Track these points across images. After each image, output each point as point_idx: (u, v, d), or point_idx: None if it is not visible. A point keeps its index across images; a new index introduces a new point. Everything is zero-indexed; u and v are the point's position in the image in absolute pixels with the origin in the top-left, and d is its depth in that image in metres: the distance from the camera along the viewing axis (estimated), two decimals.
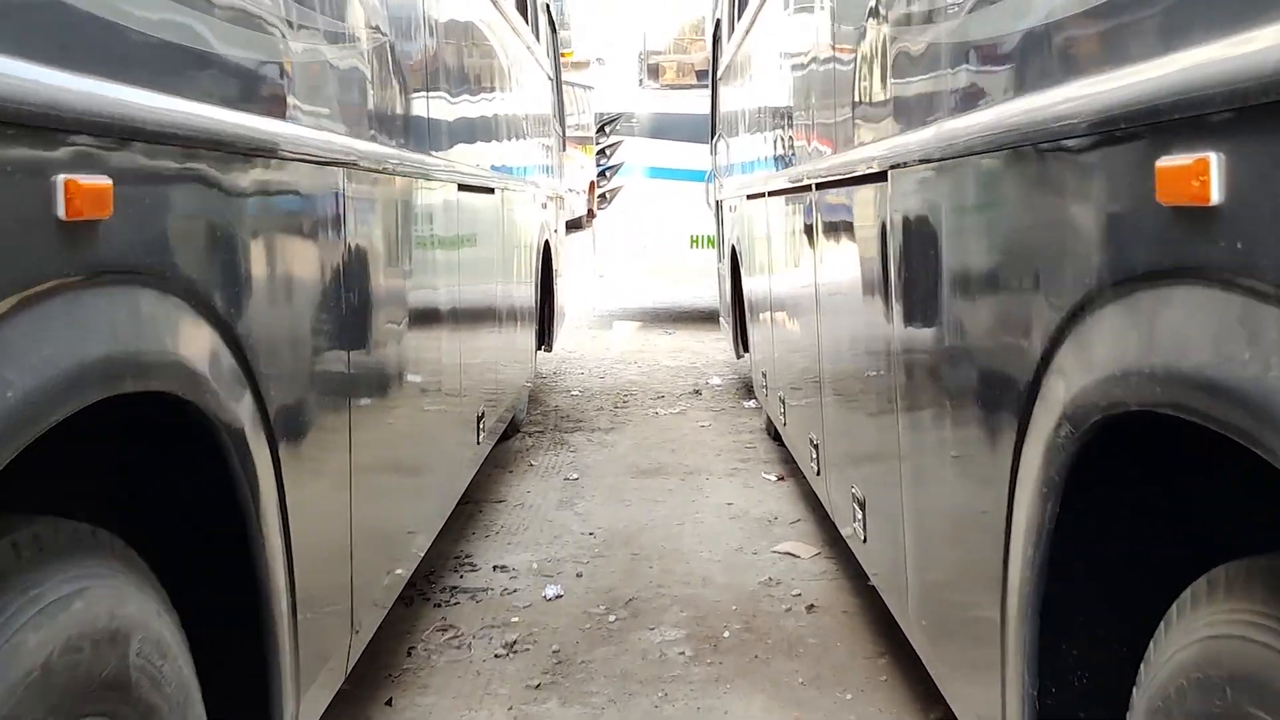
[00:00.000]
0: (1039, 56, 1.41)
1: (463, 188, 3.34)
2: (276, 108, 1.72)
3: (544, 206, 6.16)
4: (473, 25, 3.79)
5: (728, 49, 6.30)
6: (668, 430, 6.15)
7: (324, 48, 1.99)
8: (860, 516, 2.74)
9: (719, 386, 7.55)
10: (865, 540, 2.74)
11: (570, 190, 20.81)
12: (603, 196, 10.07)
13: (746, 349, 6.54)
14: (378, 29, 2.43)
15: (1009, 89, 1.51)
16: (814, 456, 3.58)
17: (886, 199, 2.19)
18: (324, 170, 1.93)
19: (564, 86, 20.87)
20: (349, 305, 2.08)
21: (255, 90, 1.64)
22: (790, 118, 3.75)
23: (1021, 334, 1.45)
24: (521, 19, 5.47)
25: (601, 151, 9.99)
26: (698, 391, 7.34)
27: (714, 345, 9.31)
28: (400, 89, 2.65)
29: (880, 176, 2.21)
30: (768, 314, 4.74)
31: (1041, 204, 1.42)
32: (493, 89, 4.22)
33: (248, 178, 1.57)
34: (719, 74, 6.89)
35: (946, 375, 1.89)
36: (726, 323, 7.42)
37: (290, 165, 1.76)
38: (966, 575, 1.79)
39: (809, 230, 3.34)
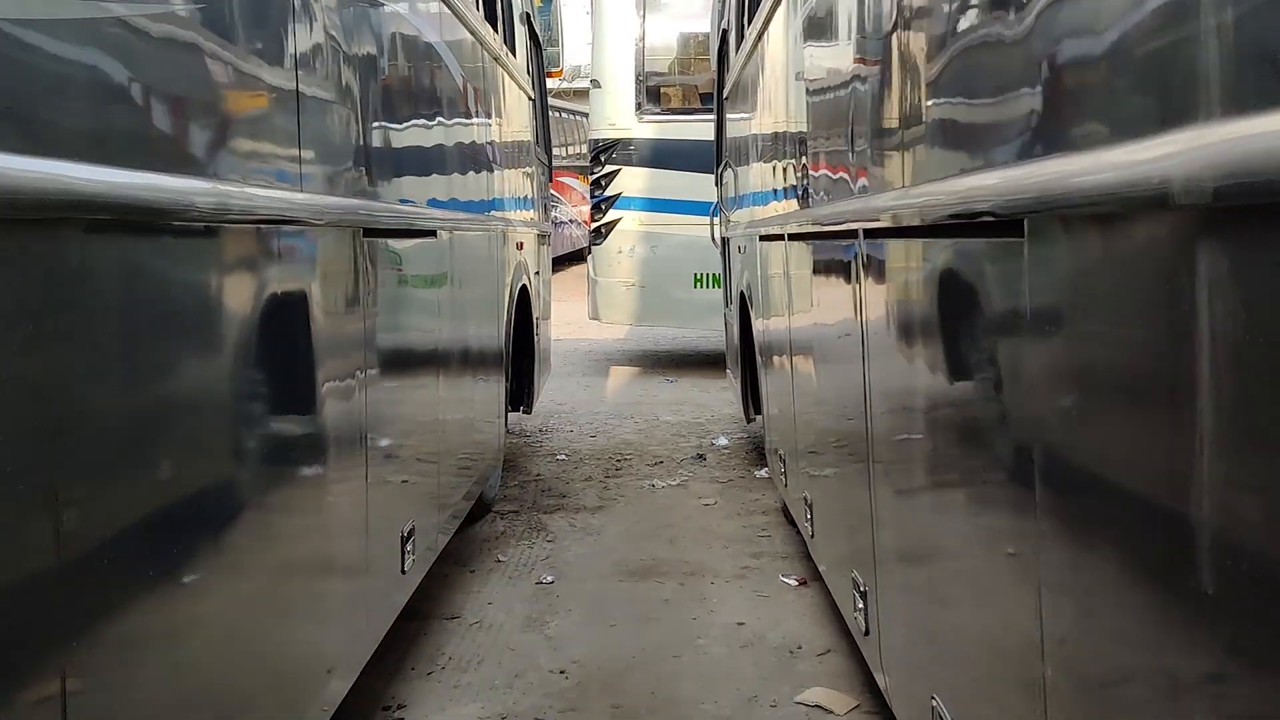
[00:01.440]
0: None
1: (372, 233, 2.43)
2: None
3: (520, 247, 5.25)
4: (399, 28, 2.88)
5: (736, 62, 5.40)
6: (666, 510, 5.21)
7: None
8: None
9: (726, 449, 6.61)
10: None
11: (570, 221, 19.95)
12: (598, 231, 9.16)
13: (758, 411, 5.62)
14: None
15: None
16: (862, 612, 2.61)
17: (1023, 258, 1.27)
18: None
19: (563, 112, 20.01)
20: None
21: None
22: (822, 143, 2.84)
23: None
24: (489, 27, 4.57)
25: (596, 182, 9.09)
26: (701, 456, 6.39)
27: (720, 396, 8.37)
28: (256, 106, 1.77)
29: (1008, 227, 1.29)
30: (788, 383, 3.78)
31: None
32: (436, 109, 3.31)
33: None
34: (725, 92, 6.00)
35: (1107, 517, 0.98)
36: (734, 378, 6.49)
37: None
38: None
39: (854, 289, 2.41)
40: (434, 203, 3.27)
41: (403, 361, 2.86)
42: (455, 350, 3.69)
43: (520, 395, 5.92)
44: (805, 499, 3.46)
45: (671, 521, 5.00)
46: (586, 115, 10.37)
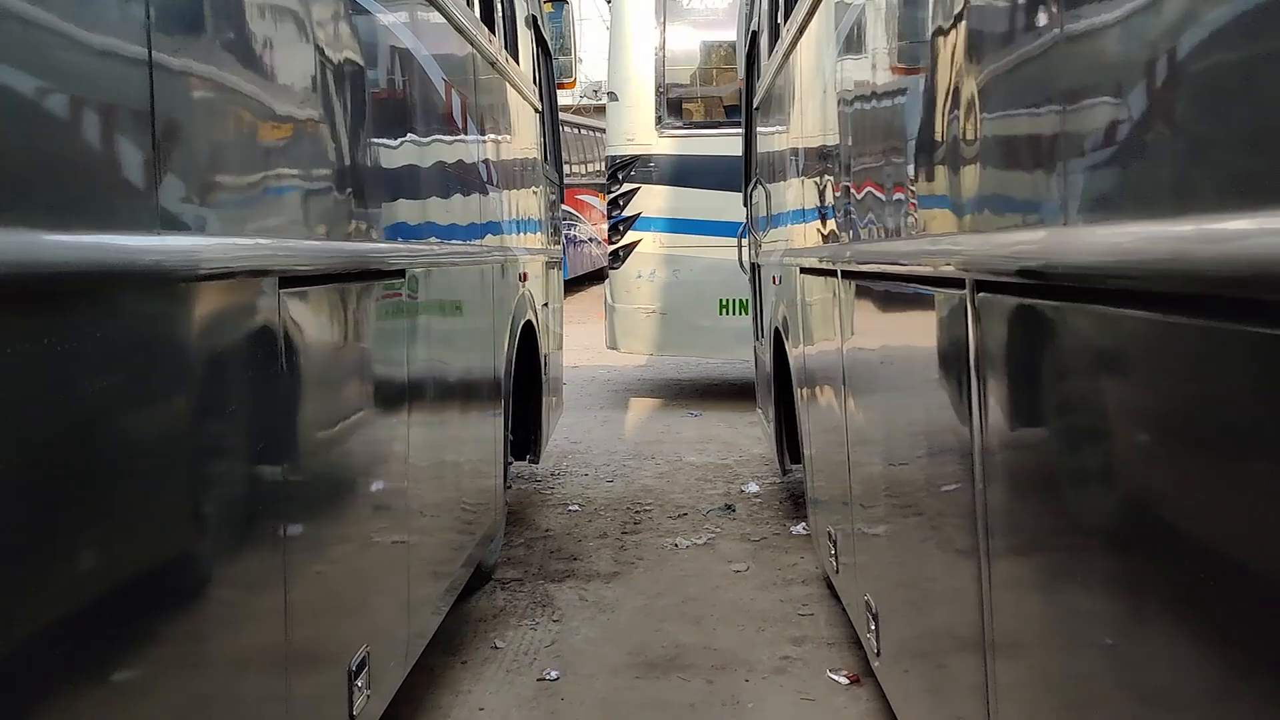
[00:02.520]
0: None
1: (296, 280, 1.80)
2: None
3: (523, 278, 4.62)
4: (346, 21, 2.26)
5: (768, 68, 4.77)
6: (690, 578, 4.55)
7: None
8: None
9: (757, 497, 5.95)
10: None
11: (589, 239, 19.32)
12: (615, 254, 8.53)
13: (795, 460, 4.96)
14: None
15: None
16: None
17: None
18: None
19: (581, 129, 19.44)
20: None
21: None
22: (889, 164, 2.19)
23: None
24: (485, 29, 3.96)
25: (614, 201, 8.47)
26: (730, 507, 5.73)
27: (748, 432, 7.71)
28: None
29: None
30: (843, 446, 3.10)
31: None
32: (405, 122, 2.69)
33: None
34: (756, 102, 5.36)
35: None
36: (765, 420, 5.83)
37: None
38: None
39: (959, 352, 1.75)
40: (403, 234, 2.64)
41: (343, 437, 2.22)
42: (433, 408, 3.06)
43: (527, 443, 5.29)
44: (869, 604, 2.76)
45: (697, 594, 4.34)
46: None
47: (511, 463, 4.91)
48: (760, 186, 5.24)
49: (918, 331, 2.05)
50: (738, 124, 8.26)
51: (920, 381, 2.07)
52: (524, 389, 5.11)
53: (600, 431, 7.97)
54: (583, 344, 12.06)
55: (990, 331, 1.54)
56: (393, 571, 2.62)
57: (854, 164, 2.60)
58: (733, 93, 8.48)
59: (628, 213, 8.42)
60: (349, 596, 2.26)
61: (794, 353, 4.20)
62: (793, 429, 4.80)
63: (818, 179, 3.31)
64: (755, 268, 5.92)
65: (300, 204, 1.90)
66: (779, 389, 4.95)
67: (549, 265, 5.74)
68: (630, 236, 8.45)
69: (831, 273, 2.91)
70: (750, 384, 9.55)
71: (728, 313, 8.33)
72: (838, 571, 3.30)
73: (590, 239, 19.33)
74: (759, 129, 5.32)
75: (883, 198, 2.28)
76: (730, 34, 8.27)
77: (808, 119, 3.49)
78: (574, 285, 19.41)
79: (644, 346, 8.69)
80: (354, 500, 2.33)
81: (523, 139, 4.88)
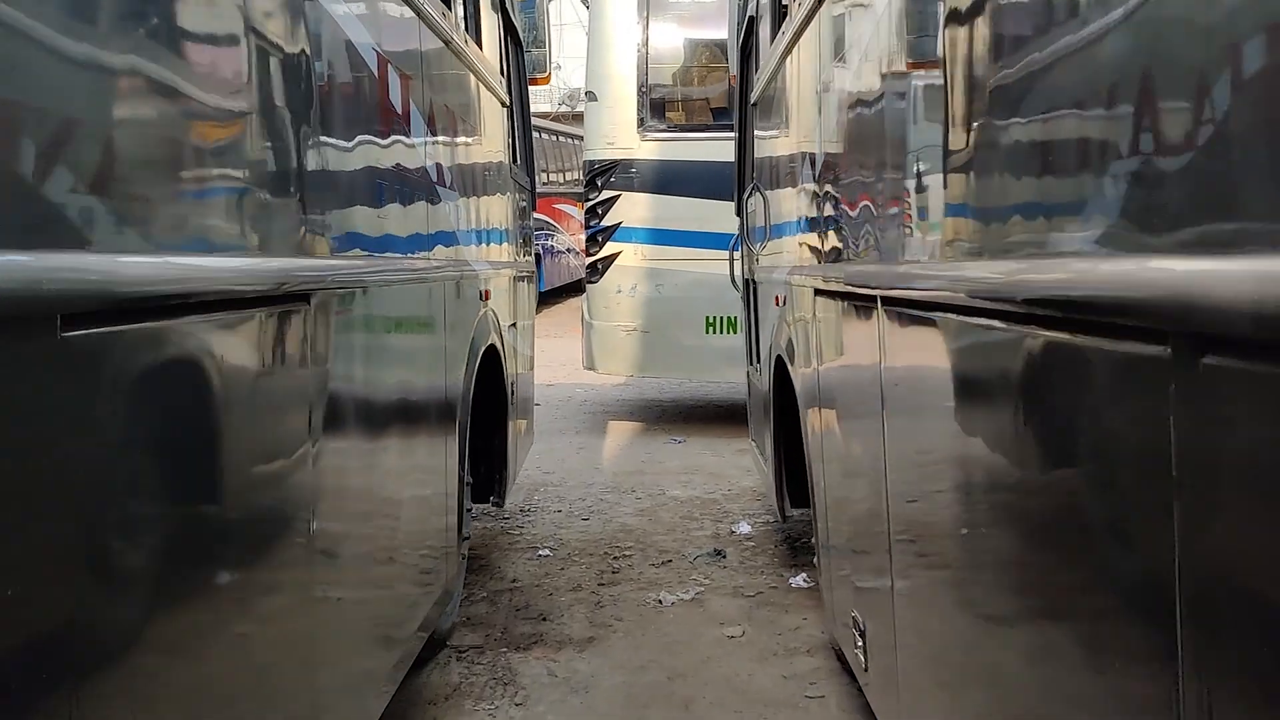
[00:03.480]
0: None
1: (88, 318, 1.16)
2: None
3: (485, 296, 3.98)
4: None
5: (769, 57, 4.16)
6: (677, 646, 3.92)
7: None
8: None
9: (749, 540, 5.33)
10: None
11: (568, 250, 18.67)
12: (593, 267, 7.90)
13: (798, 504, 4.35)
14: None
15: None
16: None
17: None
18: None
19: (560, 136, 18.80)
20: None
21: None
22: (918, 175, 1.58)
23: None
24: (442, 4, 3.33)
25: (592, 210, 7.85)
26: (719, 552, 5.10)
27: (737, 461, 7.09)
28: None
29: None
30: (880, 512, 2.44)
31: None
32: (313, 106, 2.04)
33: None
34: (754, 97, 4.75)
35: None
36: (760, 457, 5.21)
37: None
38: None
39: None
40: (310, 250, 2.00)
41: (233, 494, 1.58)
42: (362, 453, 2.43)
43: (491, 484, 4.65)
44: None
45: (685, 667, 3.71)
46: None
47: (471, 510, 4.27)
48: (758, 194, 4.63)
49: (1014, 383, 1.43)
50: (728, 127, 7.65)
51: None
52: (487, 422, 4.47)
53: (576, 460, 7.32)
54: (559, 360, 11.42)
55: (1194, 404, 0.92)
56: (322, 647, 1.99)
57: (906, 169, 1.99)
58: (722, 93, 7.88)
59: (607, 222, 7.80)
60: (265, 682, 1.64)
61: (802, 384, 3.58)
62: (795, 469, 4.18)
63: (838, 185, 2.69)
64: (750, 284, 5.30)
65: (128, 208, 1.26)
66: (779, 423, 4.33)
67: (518, 280, 5.11)
68: (610, 248, 7.82)
69: (865, 299, 2.29)
70: (738, 406, 8.93)
71: (715, 331, 7.71)
72: (866, 669, 2.66)
73: (568, 249, 18.72)
74: (757, 129, 4.71)
75: (956, 212, 1.66)
76: (720, 31, 7.67)
77: (827, 113, 2.88)
78: (551, 297, 18.78)
79: (624, 367, 8.06)
80: (263, 573, 1.70)
81: (486, 136, 4.25)
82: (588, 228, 7.94)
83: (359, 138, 2.40)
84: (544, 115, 23.81)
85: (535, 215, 19.06)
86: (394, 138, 2.71)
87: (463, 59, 3.72)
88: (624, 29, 7.73)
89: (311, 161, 1.98)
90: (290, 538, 1.87)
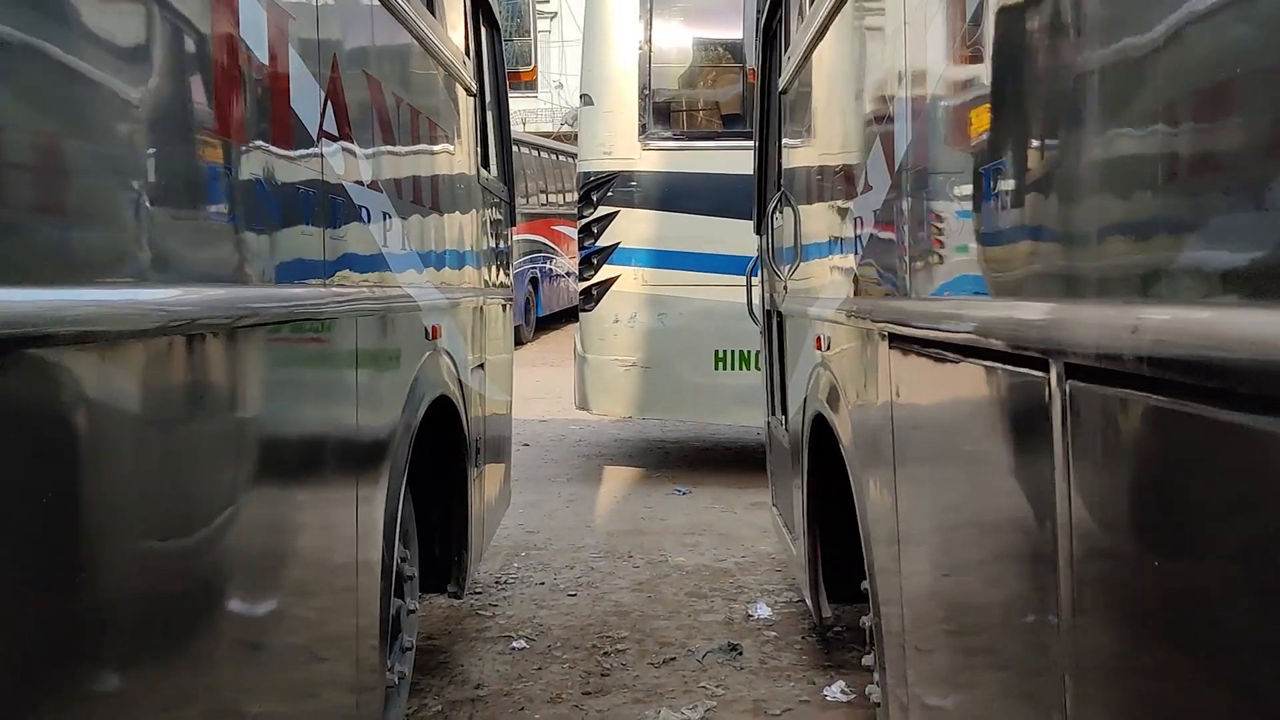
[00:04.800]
0: None
1: None
2: None
3: (433, 333, 3.03)
4: None
5: (803, 31, 3.23)
6: None
7: None
8: None
9: (770, 627, 4.37)
10: None
11: (566, 274, 17.68)
12: (587, 293, 6.95)
13: (838, 599, 3.41)
14: None
15: None
16: None
17: None
18: None
19: (560, 155, 17.91)
20: None
21: None
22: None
23: None
24: None
25: (586, 229, 6.91)
26: (735, 647, 4.13)
27: (751, 519, 6.13)
28: None
29: None
30: (1042, 640, 1.44)
31: None
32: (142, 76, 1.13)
33: None
34: (782, 84, 3.80)
35: None
36: (787, 533, 4.24)
37: None
38: None
39: None
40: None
41: None
42: (217, 555, 1.50)
43: (448, 565, 3.69)
44: None
45: None
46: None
47: (414, 609, 3.32)
48: (786, 207, 3.68)
49: None
50: (742, 135, 6.72)
51: None
52: (441, 490, 3.53)
53: (565, 515, 6.35)
54: (555, 391, 10.48)
55: None
56: None
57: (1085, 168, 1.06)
58: (735, 97, 6.97)
59: (603, 242, 6.86)
60: None
61: (858, 446, 2.62)
62: (838, 553, 3.24)
63: (940, 194, 1.76)
64: (774, 316, 4.35)
65: None
66: (815, 493, 3.37)
67: (488, 309, 4.16)
68: (606, 272, 6.88)
69: (1012, 357, 1.35)
70: (749, 449, 7.99)
71: (726, 367, 6.76)
72: None
73: (567, 272, 17.83)
74: (787, 124, 3.77)
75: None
76: (734, 28, 6.76)
77: (917, 88, 1.94)
78: (550, 322, 17.85)
79: (621, 407, 7.10)
80: None
81: (441, 130, 3.32)
82: (582, 248, 7.00)
83: (199, 121, 1.50)
84: (545, 134, 23.00)
85: (532, 237, 18.11)
86: (268, 122, 1.79)
87: (402, 21, 2.80)
88: (624, 24, 6.82)
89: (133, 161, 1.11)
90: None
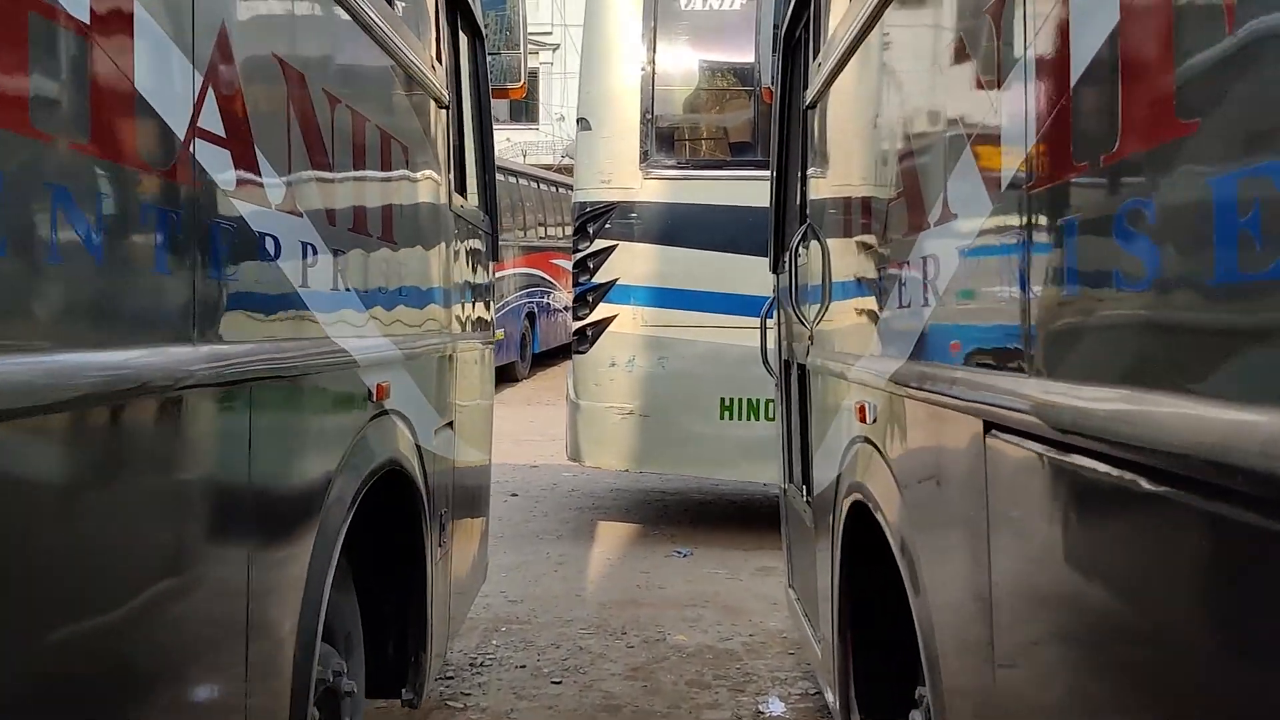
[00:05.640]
0: None
1: None
2: None
3: (376, 394, 2.43)
4: None
5: (840, 31, 2.65)
6: None
7: None
8: None
9: None
10: None
11: (565, 308, 17.05)
12: (582, 334, 6.36)
13: (881, 715, 2.80)
14: None
15: None
16: None
17: None
18: None
19: (560, 187, 17.34)
20: None
21: None
22: None
23: None
24: None
25: (581, 264, 6.33)
26: None
27: (760, 588, 5.52)
28: None
29: None
30: None
31: None
32: None
33: None
34: (809, 98, 3.21)
35: None
36: (806, 622, 3.62)
37: None
38: None
39: None
40: None
41: None
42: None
43: (402, 666, 3.07)
44: None
45: None
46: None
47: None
48: (812, 241, 3.10)
49: None
50: (753, 164, 6.17)
51: None
52: (395, 577, 2.93)
53: (552, 581, 5.72)
54: (549, 433, 9.85)
55: None
56: None
57: None
58: (745, 122, 6.41)
59: (600, 278, 6.27)
60: None
61: (919, 556, 2.01)
62: (873, 664, 2.64)
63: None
64: (795, 369, 3.74)
65: None
66: (851, 594, 2.75)
67: (460, 357, 3.56)
68: (602, 310, 6.29)
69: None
70: (755, 504, 7.36)
71: (733, 417, 6.16)
72: None
73: (565, 307, 17.24)
74: (815, 146, 3.17)
75: None
76: (745, 50, 6.23)
77: (1040, 62, 1.34)
78: (547, 359, 17.24)
79: (617, 460, 6.48)
80: None
81: (401, 149, 2.73)
82: (576, 285, 6.42)
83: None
84: (546, 166, 22.50)
85: (530, 271, 17.48)
86: (94, 110, 1.21)
87: (357, 18, 2.22)
88: (627, 43, 6.27)
89: None
90: None
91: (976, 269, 1.60)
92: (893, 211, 2.12)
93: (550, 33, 28.26)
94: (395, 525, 2.83)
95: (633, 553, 6.31)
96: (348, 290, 2.23)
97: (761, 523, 6.70)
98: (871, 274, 2.36)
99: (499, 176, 17.14)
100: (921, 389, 1.80)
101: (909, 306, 1.95)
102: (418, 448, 2.87)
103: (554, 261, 17.13)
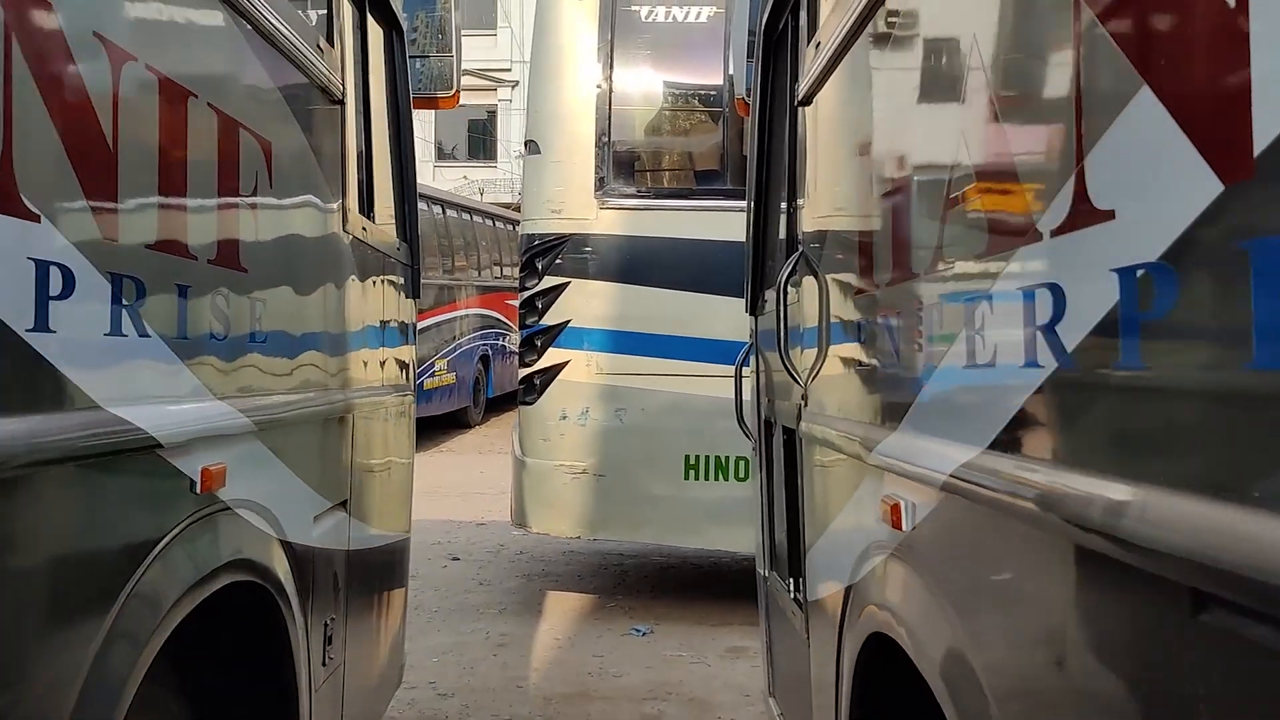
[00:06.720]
0: None
1: None
2: None
3: (200, 484, 1.70)
4: None
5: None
6: None
7: None
8: None
9: None
10: None
11: (514, 351, 16.25)
12: (529, 382, 5.64)
13: None
14: None
15: None
16: None
17: None
18: None
19: (510, 224, 16.63)
20: None
21: None
22: None
23: None
24: None
25: (529, 303, 5.63)
26: None
27: (728, 674, 4.80)
28: None
29: None
30: None
31: None
32: None
33: None
34: (802, 92, 2.54)
35: None
36: None
37: None
38: None
39: None
40: None
41: None
42: None
43: None
44: None
45: None
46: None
47: None
48: (809, 275, 2.42)
49: None
50: (721, 193, 5.54)
51: None
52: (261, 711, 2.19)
53: (490, 669, 4.95)
54: (499, 485, 9.02)
55: None
56: None
57: None
58: (712, 147, 5.78)
59: (549, 320, 5.57)
60: None
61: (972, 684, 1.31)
62: None
63: None
64: (777, 431, 3.05)
65: None
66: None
67: (360, 420, 2.84)
68: (552, 356, 5.58)
69: None
70: (722, 572, 6.64)
71: (699, 476, 5.46)
72: None
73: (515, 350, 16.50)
74: (810, 155, 2.50)
75: None
76: (711, 68, 5.63)
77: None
78: (501, 404, 16.43)
79: (567, 525, 5.74)
80: None
81: (256, 153, 2.03)
82: (523, 327, 5.71)
83: None
84: (504, 205, 21.81)
85: (484, 312, 16.70)
86: None
87: None
88: (581, 57, 5.62)
89: None
90: None
91: (1130, 323, 0.92)
92: (951, 226, 1.44)
93: (509, 69, 27.72)
94: (252, 650, 2.10)
95: (585, 631, 5.56)
96: (145, 336, 1.52)
97: (728, 592, 5.99)
98: (910, 318, 1.67)
99: (455, 214, 16.48)
100: (1029, 505, 1.10)
101: (988, 365, 1.27)
102: (286, 544, 2.14)
103: (509, 302, 16.39)
